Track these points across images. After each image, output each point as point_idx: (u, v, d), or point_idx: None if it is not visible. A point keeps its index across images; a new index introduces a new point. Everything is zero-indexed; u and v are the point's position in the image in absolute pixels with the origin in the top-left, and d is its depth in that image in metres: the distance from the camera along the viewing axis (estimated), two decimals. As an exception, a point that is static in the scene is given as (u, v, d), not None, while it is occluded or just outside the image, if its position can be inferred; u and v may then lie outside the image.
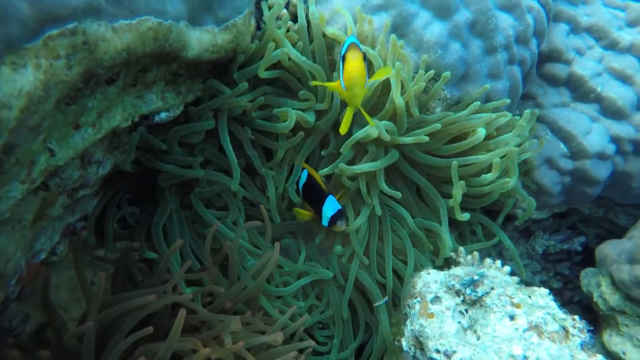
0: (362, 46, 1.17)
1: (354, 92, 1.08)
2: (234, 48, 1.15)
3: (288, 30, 1.37)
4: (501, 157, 1.33)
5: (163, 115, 1.13)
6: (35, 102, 0.65)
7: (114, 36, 0.78)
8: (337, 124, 1.41)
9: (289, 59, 1.33)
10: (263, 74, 1.29)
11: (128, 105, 1.01)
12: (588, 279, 1.59)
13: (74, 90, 0.78)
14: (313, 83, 1.30)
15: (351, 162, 1.42)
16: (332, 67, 1.39)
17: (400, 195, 1.37)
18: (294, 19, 1.40)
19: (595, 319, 1.57)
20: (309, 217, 1.42)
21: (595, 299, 1.49)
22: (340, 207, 1.35)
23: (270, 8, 1.33)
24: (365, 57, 1.08)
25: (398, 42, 1.28)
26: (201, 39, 1.03)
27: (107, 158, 1.09)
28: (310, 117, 1.35)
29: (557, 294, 1.88)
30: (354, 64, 1.05)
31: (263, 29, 1.34)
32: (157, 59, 0.97)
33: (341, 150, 1.35)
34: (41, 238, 1.04)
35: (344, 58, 1.07)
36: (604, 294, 1.46)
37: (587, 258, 1.77)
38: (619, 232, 1.68)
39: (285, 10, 1.39)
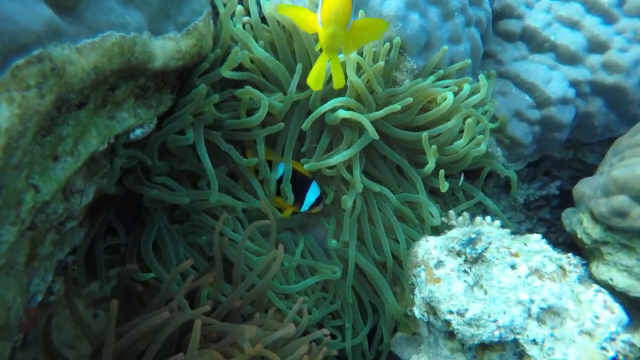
0: None
1: (332, 31, 0.86)
2: (199, 52, 1.12)
3: (244, 26, 1.34)
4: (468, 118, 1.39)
5: (138, 132, 1.10)
6: (15, 138, 0.62)
7: (80, 57, 0.75)
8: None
9: (252, 60, 1.31)
10: (227, 74, 1.25)
11: (102, 127, 0.97)
12: (569, 218, 1.67)
13: (48, 120, 0.75)
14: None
15: (328, 149, 1.43)
16: (295, 58, 1.37)
17: (378, 188, 1.40)
18: (249, 13, 1.37)
19: (581, 255, 1.66)
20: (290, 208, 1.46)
21: (579, 236, 1.58)
22: (320, 192, 1.45)
23: (224, 5, 1.29)
24: None
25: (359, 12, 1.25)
26: (165, 47, 1.00)
27: (88, 185, 1.05)
28: (277, 104, 1.33)
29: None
30: None
31: (218, 27, 1.30)
32: (124, 75, 0.94)
33: (303, 127, 1.32)
34: (35, 280, 0.99)
35: None
36: (586, 229, 1.55)
37: (564, 200, 1.86)
38: (589, 170, 1.77)
39: (240, 7, 1.35)
